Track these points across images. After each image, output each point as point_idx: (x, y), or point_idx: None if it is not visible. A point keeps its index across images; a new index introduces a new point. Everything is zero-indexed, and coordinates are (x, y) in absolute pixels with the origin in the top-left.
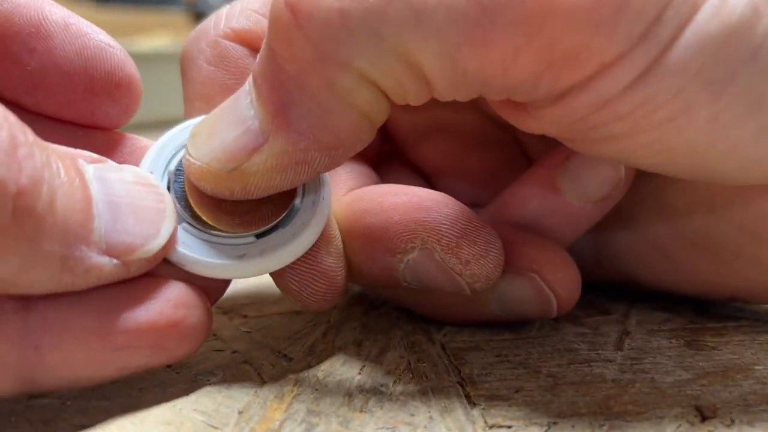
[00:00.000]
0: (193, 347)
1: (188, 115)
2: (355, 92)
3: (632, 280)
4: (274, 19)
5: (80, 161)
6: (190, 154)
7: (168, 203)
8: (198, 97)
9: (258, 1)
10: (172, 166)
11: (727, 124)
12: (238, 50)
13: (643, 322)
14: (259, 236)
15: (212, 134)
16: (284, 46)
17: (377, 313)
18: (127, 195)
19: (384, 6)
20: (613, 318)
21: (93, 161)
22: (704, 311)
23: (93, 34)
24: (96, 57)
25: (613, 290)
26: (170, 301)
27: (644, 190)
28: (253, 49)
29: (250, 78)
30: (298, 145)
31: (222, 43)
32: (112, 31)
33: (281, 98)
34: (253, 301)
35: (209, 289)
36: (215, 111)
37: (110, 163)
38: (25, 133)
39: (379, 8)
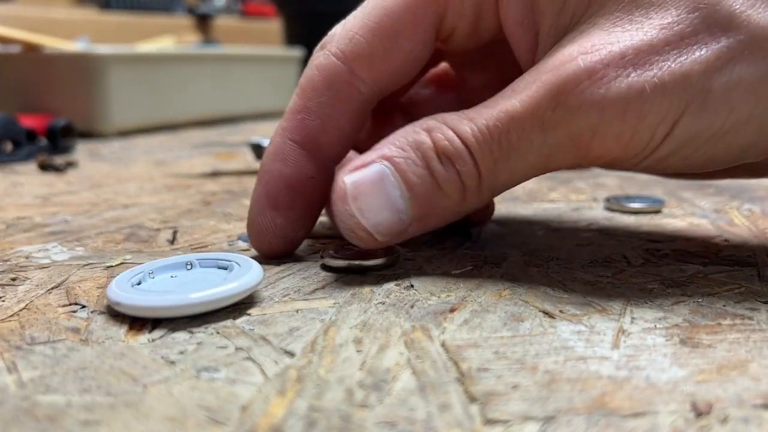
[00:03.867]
0: None
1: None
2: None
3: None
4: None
5: None
6: (357, 215)
7: None
8: (300, 89)
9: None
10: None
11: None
12: (341, 67)
13: (638, 320)
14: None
15: (372, 208)
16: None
17: (377, 311)
18: None
19: None
20: (608, 316)
21: None
22: (699, 310)
23: None
24: None
25: (610, 289)
26: None
27: None
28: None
29: (398, 175)
30: (421, 233)
31: (329, 58)
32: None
33: (427, 213)
34: (256, 299)
35: None
36: (367, 183)
37: None
38: None
39: None
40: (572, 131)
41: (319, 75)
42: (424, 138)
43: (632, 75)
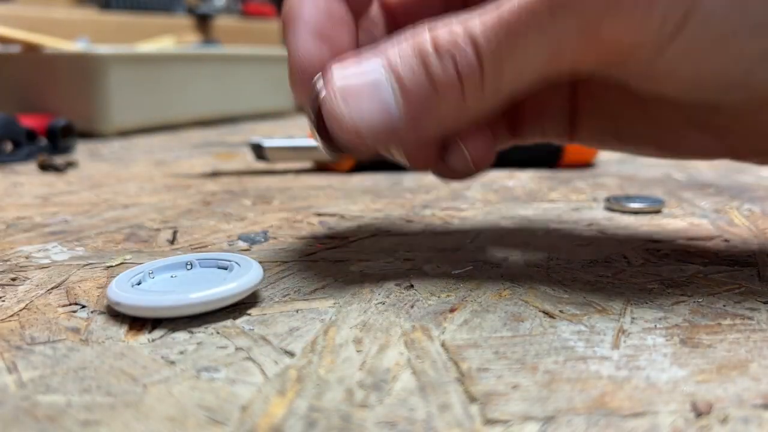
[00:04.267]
0: None
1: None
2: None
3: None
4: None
5: None
6: (339, 109)
7: None
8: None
9: None
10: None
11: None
12: None
13: (638, 320)
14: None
15: (360, 104)
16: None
17: (377, 311)
18: None
19: None
20: (609, 316)
21: None
22: (699, 310)
23: None
24: None
25: (610, 289)
26: None
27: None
28: None
29: (393, 78)
30: (416, 139)
31: None
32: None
33: (421, 112)
34: (256, 299)
35: None
36: (357, 74)
37: None
38: None
39: None
40: (582, 10)
41: None
42: (425, 36)
43: None
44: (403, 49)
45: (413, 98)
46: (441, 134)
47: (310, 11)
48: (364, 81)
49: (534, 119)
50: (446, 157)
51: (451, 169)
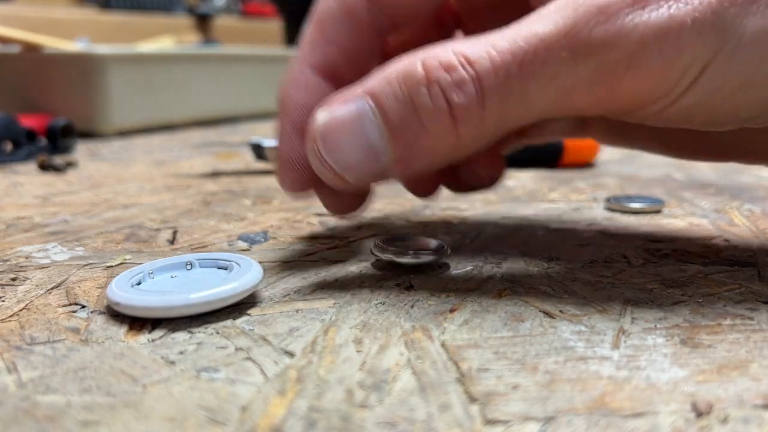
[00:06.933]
0: None
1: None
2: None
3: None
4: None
5: None
6: (324, 156)
7: None
8: (316, 18)
9: None
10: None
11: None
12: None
13: (638, 320)
14: None
15: (342, 148)
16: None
17: (377, 311)
18: None
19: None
20: (609, 316)
21: None
22: (699, 310)
23: None
24: None
25: (610, 289)
26: None
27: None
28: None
29: (378, 112)
30: (407, 177)
31: None
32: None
33: (412, 151)
34: (256, 299)
35: None
36: (340, 118)
37: None
38: None
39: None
40: (607, 60)
41: (336, 3)
42: (416, 65)
43: (673, 6)
44: (389, 75)
45: (400, 133)
46: (437, 168)
47: (297, 102)
48: (345, 117)
49: (541, 123)
50: (459, 173)
51: (464, 184)
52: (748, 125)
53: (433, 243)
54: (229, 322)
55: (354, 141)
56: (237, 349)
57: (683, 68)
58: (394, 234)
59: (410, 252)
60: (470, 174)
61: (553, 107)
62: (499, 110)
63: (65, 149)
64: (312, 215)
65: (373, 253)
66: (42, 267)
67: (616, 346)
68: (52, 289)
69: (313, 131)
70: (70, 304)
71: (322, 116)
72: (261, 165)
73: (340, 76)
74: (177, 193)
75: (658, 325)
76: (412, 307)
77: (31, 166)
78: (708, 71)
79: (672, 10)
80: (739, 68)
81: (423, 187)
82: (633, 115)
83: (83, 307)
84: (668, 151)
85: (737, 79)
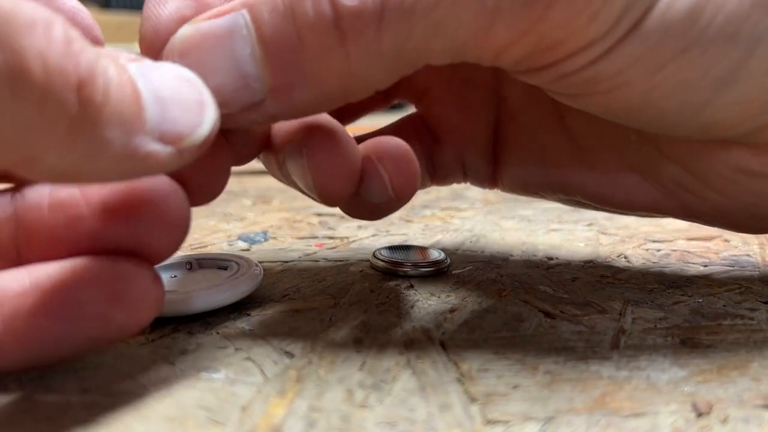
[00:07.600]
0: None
1: None
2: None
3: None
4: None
5: (122, 59)
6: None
7: (207, 95)
8: None
9: None
10: None
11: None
12: None
13: (638, 320)
14: None
15: (205, 70)
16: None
17: (377, 311)
18: (169, 89)
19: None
20: (609, 316)
21: (132, 60)
22: (700, 310)
23: None
24: None
25: (610, 289)
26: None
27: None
28: None
29: (252, 26)
30: (289, 113)
31: None
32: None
33: (291, 76)
34: (256, 299)
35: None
36: (206, 33)
37: (147, 61)
38: (75, 30)
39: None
40: None
41: None
42: None
43: None
44: None
45: (276, 52)
46: (320, 111)
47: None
48: (212, 31)
49: (453, 151)
50: (362, 187)
51: (366, 203)
52: (685, 124)
53: (434, 254)
54: (229, 322)
55: (220, 61)
56: (237, 349)
57: (623, 5)
58: (395, 244)
59: (410, 264)
60: (377, 184)
61: (469, 39)
62: (402, 30)
63: None
64: (312, 215)
65: (372, 266)
66: None
67: (616, 346)
68: None
69: (172, 48)
70: None
71: (185, 30)
72: (261, 165)
73: None
74: None
75: (658, 325)
76: (412, 307)
77: None
78: (650, 19)
79: None
80: (689, 18)
81: (335, 187)
82: (558, 69)
83: None
84: (595, 198)
85: (682, 31)
